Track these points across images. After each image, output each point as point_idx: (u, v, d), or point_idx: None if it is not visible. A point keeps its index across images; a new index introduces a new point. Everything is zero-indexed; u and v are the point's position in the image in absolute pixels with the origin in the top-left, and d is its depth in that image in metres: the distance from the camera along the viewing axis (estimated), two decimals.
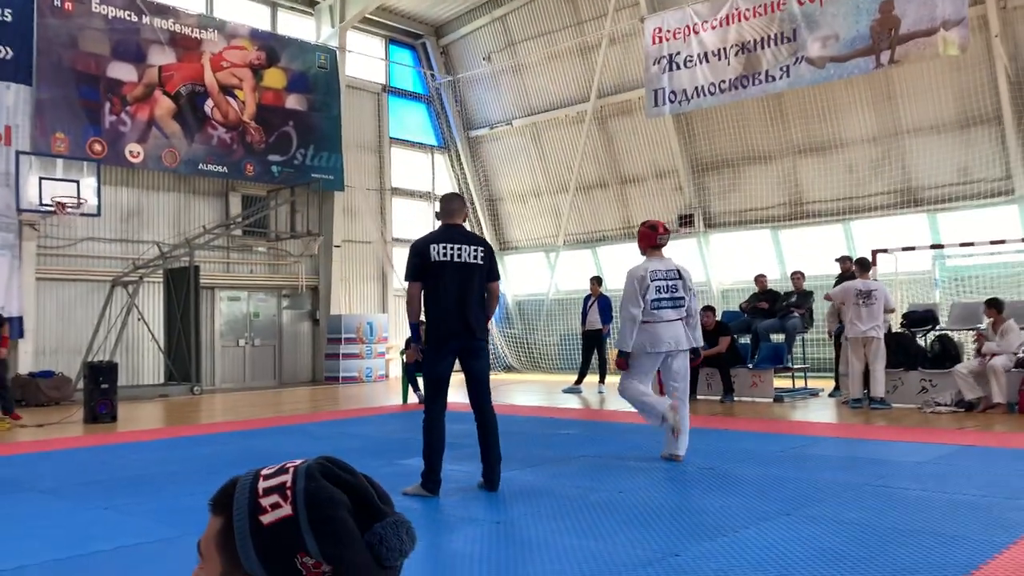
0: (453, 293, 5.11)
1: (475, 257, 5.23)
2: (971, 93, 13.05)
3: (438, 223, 5.47)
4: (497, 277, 5.39)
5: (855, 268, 10.06)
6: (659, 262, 6.23)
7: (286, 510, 0.87)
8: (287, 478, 0.90)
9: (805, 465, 5.95)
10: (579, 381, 12.73)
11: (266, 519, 0.87)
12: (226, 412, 11.00)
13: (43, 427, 9.38)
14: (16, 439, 8.45)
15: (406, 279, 5.25)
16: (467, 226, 5.56)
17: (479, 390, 5.26)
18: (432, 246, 5.13)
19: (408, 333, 12.37)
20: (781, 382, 11.38)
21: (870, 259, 11.22)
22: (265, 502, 0.88)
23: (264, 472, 0.93)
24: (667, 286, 6.14)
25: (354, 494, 0.90)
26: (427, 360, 5.24)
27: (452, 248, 5.15)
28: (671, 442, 6.15)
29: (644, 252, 6.35)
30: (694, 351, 6.36)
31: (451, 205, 5.39)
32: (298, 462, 0.94)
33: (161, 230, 14.88)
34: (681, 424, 6.07)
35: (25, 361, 12.86)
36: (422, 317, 5.25)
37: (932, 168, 13.62)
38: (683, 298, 6.19)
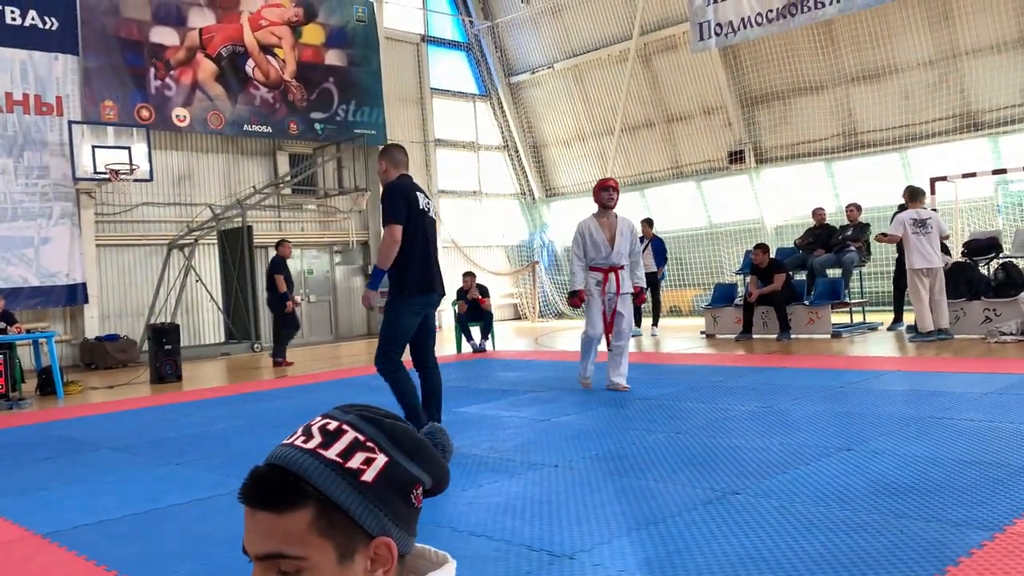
0: (429, 245, 4.99)
1: (432, 211, 5.14)
2: None
3: (392, 173, 5.01)
4: None
5: (905, 197, 9.68)
6: None
7: (382, 458, 0.88)
8: (354, 434, 0.89)
9: (865, 400, 5.88)
10: (637, 323, 12.74)
11: (369, 476, 0.87)
12: (286, 367, 11.24)
13: (113, 388, 9.74)
14: (89, 400, 8.78)
15: (393, 221, 4.82)
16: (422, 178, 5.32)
17: (431, 345, 5.18)
18: (417, 194, 4.95)
19: (458, 284, 12.13)
20: (839, 317, 11.21)
21: (927, 188, 10.87)
22: (353, 464, 0.87)
23: (306, 447, 0.87)
24: None
25: (400, 420, 0.96)
26: (404, 312, 4.94)
27: (424, 199, 5.01)
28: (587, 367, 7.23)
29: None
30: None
31: (401, 156, 5.09)
32: (318, 426, 0.90)
33: (212, 192, 15.10)
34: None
35: (91, 325, 13.29)
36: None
37: (993, 90, 13.07)
38: None
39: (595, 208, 7.07)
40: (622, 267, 6.96)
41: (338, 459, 0.86)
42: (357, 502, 0.85)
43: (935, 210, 10.04)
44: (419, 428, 4.71)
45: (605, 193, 6.97)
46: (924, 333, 9.22)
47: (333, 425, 0.89)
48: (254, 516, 0.85)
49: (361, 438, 0.89)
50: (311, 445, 0.87)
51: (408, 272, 4.92)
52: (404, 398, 4.93)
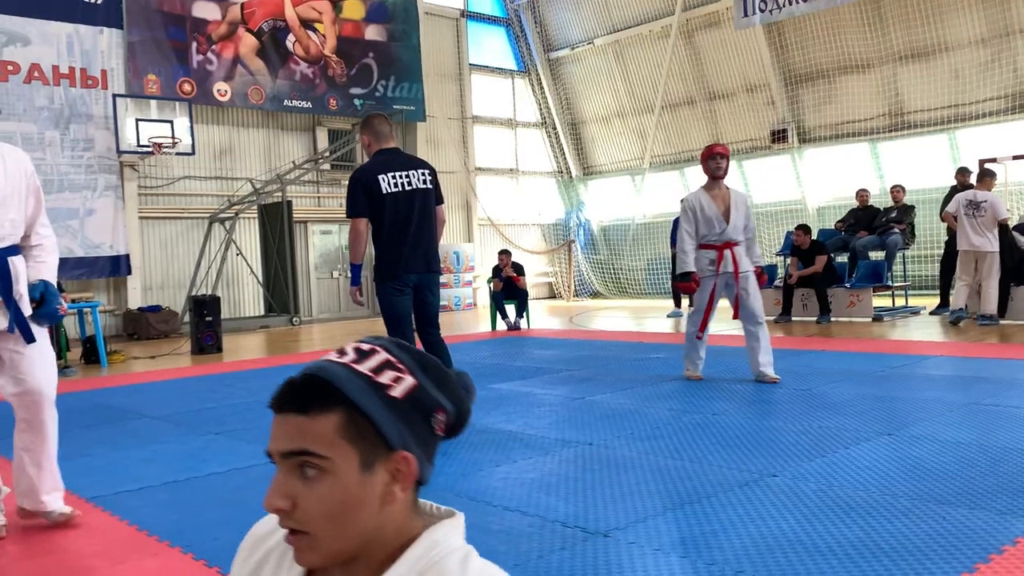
0: (408, 224, 4.83)
1: (424, 181, 4.92)
2: None
3: (374, 147, 4.95)
4: (443, 200, 5.09)
5: (960, 178, 9.69)
6: None
7: (410, 380, 0.94)
8: (386, 355, 0.95)
9: (907, 384, 5.78)
10: (678, 303, 12.72)
11: (396, 392, 0.92)
12: (324, 341, 11.36)
13: (155, 358, 9.92)
14: (131, 370, 8.95)
15: (351, 215, 4.85)
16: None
17: (430, 328, 5.04)
18: (381, 177, 4.76)
19: (494, 262, 12.16)
20: (880, 301, 11.02)
21: (976, 169, 10.63)
22: (383, 379, 0.92)
23: (340, 360, 0.93)
24: None
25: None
26: (386, 295, 4.90)
27: (401, 176, 4.83)
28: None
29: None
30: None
31: (383, 127, 4.95)
32: (352, 346, 0.97)
33: (253, 166, 15.24)
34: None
35: (134, 296, 13.53)
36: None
37: None
38: None
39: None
40: (738, 243, 6.14)
41: (369, 373, 0.92)
42: (383, 414, 0.91)
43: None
44: None
45: (712, 162, 6.20)
46: (951, 310, 9.23)
47: (367, 347, 0.96)
48: (284, 420, 0.93)
49: (393, 360, 0.94)
50: (344, 360, 0.93)
51: (378, 258, 4.95)
52: None
